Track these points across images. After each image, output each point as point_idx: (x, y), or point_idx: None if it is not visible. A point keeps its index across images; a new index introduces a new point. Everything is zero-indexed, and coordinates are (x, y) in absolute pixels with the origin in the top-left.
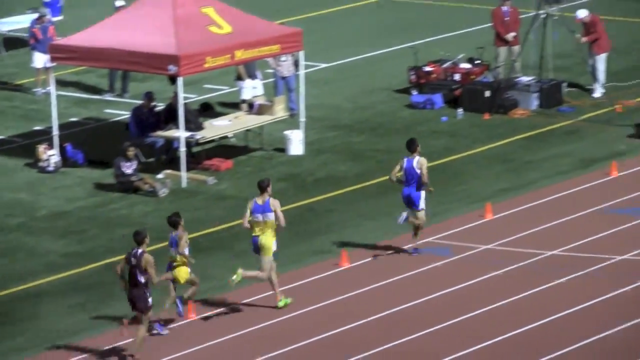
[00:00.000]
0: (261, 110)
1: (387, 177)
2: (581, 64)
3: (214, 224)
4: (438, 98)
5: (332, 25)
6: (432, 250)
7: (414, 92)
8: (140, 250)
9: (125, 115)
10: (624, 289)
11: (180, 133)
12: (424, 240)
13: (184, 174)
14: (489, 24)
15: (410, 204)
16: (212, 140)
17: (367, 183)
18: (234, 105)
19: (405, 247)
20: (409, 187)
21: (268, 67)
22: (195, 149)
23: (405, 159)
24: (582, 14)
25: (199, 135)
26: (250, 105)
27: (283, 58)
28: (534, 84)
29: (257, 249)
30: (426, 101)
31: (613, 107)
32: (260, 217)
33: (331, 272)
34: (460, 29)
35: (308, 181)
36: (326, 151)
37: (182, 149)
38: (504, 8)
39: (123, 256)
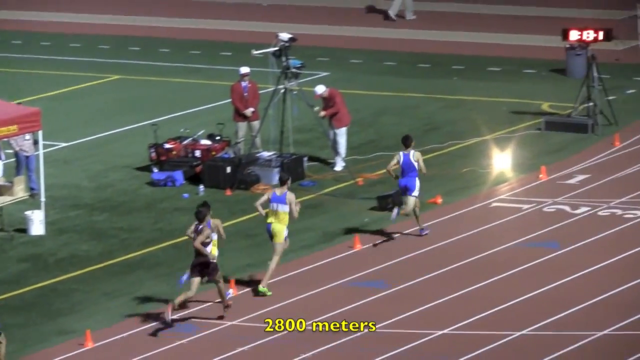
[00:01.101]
0: (1, 191)
1: (360, 179)
2: (321, 137)
3: None
4: (179, 175)
5: (72, 104)
6: (176, 329)
7: (155, 170)
8: (201, 226)
9: None
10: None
11: None
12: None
13: None
14: (228, 100)
15: (406, 190)
16: None
17: (111, 262)
18: None
19: (406, 231)
20: (406, 177)
21: (9, 147)
22: None
23: (402, 154)
24: (320, 89)
25: None
26: None
27: (27, 137)
28: (275, 159)
29: (271, 235)
30: (167, 178)
31: (354, 180)
32: (275, 206)
33: (75, 352)
34: (200, 105)
35: (50, 261)
36: (68, 231)
37: None
38: (243, 83)
39: None
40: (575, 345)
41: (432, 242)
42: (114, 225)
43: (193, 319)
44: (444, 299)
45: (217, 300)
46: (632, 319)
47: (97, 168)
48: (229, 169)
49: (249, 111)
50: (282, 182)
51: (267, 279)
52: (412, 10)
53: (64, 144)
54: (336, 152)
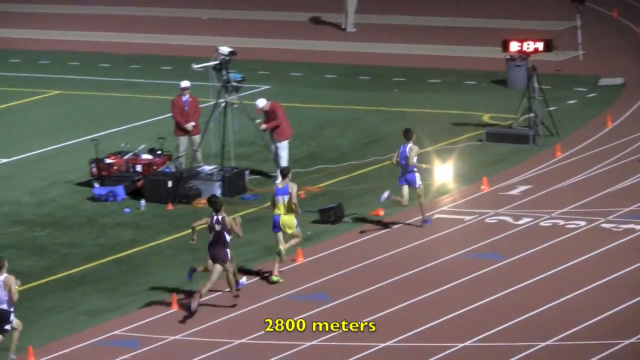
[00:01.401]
0: None
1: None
2: (263, 151)
3: None
4: (120, 190)
5: (12, 120)
6: (119, 343)
7: (96, 185)
8: (221, 216)
9: None
10: None
11: None
12: (110, 334)
13: None
14: (169, 114)
15: (409, 184)
16: None
17: (53, 277)
18: None
19: (408, 221)
20: (405, 171)
21: None
22: None
23: (402, 146)
24: (262, 103)
25: None
26: None
27: None
28: (216, 172)
29: (277, 225)
30: (108, 193)
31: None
32: (280, 199)
33: None
34: (141, 120)
35: None
36: (10, 247)
37: None
38: (184, 97)
39: None
40: (520, 356)
41: (375, 255)
42: (55, 240)
43: (136, 335)
44: (386, 311)
45: (226, 290)
46: (575, 329)
47: (38, 184)
48: (170, 184)
49: (189, 125)
50: (283, 175)
51: (278, 266)
52: (353, 23)
53: (4, 160)
54: (278, 166)
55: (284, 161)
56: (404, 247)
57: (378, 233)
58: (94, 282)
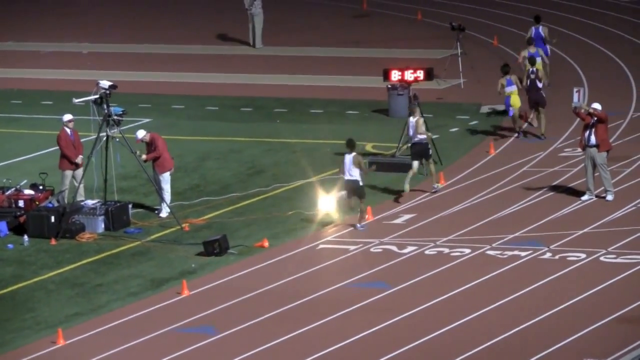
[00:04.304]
0: None
1: (186, 225)
2: (146, 184)
3: None
4: (3, 225)
5: None
6: None
7: None
8: (353, 153)
9: None
10: None
11: None
12: None
13: None
14: (51, 149)
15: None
16: None
17: None
18: None
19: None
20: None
21: None
22: None
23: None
24: (141, 134)
25: None
26: None
27: None
28: (99, 207)
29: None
30: None
31: (180, 226)
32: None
33: None
34: (22, 155)
35: None
36: None
37: None
38: (69, 130)
39: None
40: None
41: (261, 286)
42: None
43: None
44: (273, 343)
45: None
46: (463, 356)
47: None
48: (53, 218)
49: (80, 158)
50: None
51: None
52: (261, 40)
53: None
54: (161, 198)
55: (166, 194)
56: (290, 278)
57: (262, 264)
58: None
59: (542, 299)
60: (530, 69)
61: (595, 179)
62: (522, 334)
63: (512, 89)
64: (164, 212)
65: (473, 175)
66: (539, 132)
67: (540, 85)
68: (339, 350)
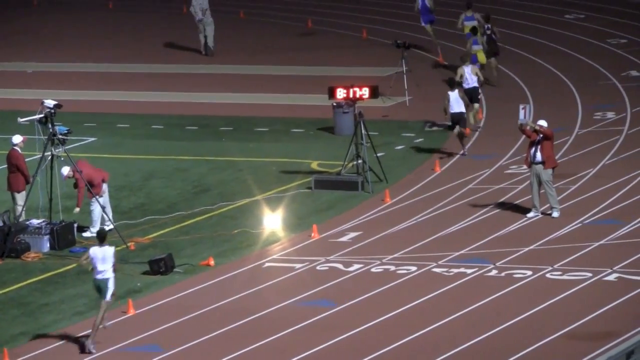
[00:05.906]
0: None
1: (132, 244)
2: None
3: None
4: None
5: None
6: None
7: None
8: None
9: None
10: None
11: None
12: None
13: None
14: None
15: None
16: None
17: None
18: None
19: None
20: None
21: None
22: None
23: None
24: (66, 171)
25: None
26: None
27: None
28: (44, 226)
29: None
30: None
31: (126, 245)
32: None
33: None
34: None
35: None
36: None
37: None
38: (20, 150)
39: None
40: None
41: (207, 304)
42: None
43: None
44: None
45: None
46: None
47: None
48: None
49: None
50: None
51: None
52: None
53: None
54: (108, 218)
55: (95, 216)
56: (236, 296)
57: (208, 283)
58: None
59: (488, 316)
60: (486, 25)
61: (541, 196)
62: (469, 351)
63: (478, 48)
64: (89, 232)
65: (419, 193)
66: (495, 82)
67: (495, 38)
68: None
